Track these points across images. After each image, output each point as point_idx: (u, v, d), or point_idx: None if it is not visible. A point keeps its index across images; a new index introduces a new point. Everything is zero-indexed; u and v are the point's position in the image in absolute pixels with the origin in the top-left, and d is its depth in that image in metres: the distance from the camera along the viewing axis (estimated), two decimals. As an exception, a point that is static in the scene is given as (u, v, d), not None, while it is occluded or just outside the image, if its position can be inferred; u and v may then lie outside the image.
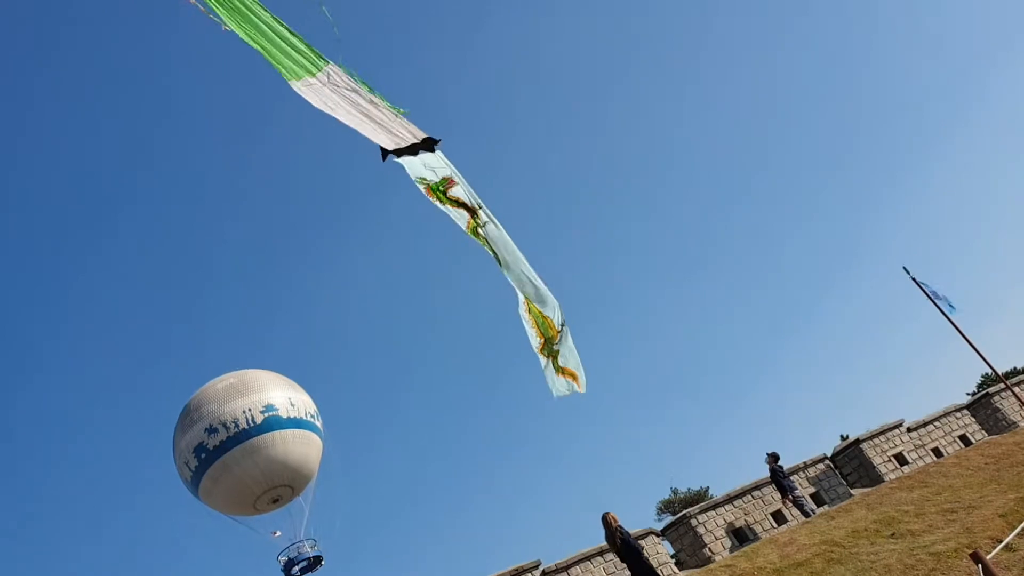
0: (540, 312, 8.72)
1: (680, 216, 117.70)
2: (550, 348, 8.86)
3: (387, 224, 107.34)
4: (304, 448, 11.75)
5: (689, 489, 45.91)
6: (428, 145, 7.94)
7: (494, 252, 8.38)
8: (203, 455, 11.35)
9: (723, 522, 18.02)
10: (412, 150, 7.91)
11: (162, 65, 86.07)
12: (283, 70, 7.41)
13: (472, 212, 8.28)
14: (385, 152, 7.83)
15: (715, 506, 18.41)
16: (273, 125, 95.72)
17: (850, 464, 20.43)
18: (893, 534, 13.40)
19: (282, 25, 7.49)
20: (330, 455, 12.48)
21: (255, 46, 7.31)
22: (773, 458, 18.46)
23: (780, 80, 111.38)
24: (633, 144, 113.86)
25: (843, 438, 41.71)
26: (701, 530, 17.80)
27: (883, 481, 19.13)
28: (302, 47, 7.53)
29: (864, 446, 20.31)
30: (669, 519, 19.14)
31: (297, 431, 11.78)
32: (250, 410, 11.32)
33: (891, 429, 20.89)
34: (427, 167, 8.02)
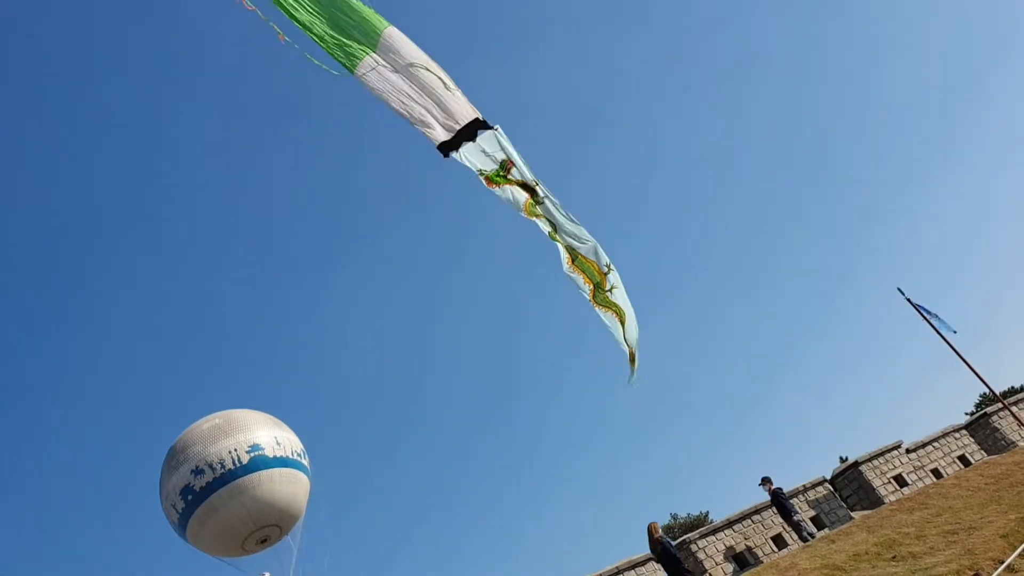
0: (584, 258, 8.78)
1: (672, 241, 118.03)
2: (602, 295, 8.92)
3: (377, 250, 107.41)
4: (291, 487, 11.56)
5: (689, 514, 45.54)
6: (484, 126, 7.98)
7: (549, 221, 8.51)
8: (190, 497, 11.15)
9: (723, 547, 17.79)
10: (470, 134, 7.90)
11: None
12: (343, 60, 7.45)
13: (531, 191, 8.35)
14: (446, 150, 7.85)
15: (715, 531, 18.20)
16: (282, 148, 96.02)
17: (850, 486, 20.23)
18: (894, 557, 13.21)
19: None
20: (318, 494, 12.27)
21: (314, 38, 7.33)
22: (767, 482, 18.28)
23: (773, 98, 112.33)
24: (622, 157, 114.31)
25: (842, 460, 41.40)
26: (701, 555, 17.58)
27: (883, 503, 18.92)
28: (364, 12, 7.58)
29: (863, 468, 20.13)
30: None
31: (284, 470, 11.60)
32: (236, 450, 11.14)
33: (890, 451, 20.72)
34: (487, 155, 8.05)
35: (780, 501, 17.96)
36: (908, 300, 20.99)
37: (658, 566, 16.88)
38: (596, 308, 8.96)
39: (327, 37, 7.41)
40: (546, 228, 8.58)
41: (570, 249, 8.71)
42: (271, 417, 13.35)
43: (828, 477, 20.13)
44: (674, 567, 16.28)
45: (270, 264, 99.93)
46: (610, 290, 8.95)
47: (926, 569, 11.75)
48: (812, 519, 18.74)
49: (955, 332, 20.79)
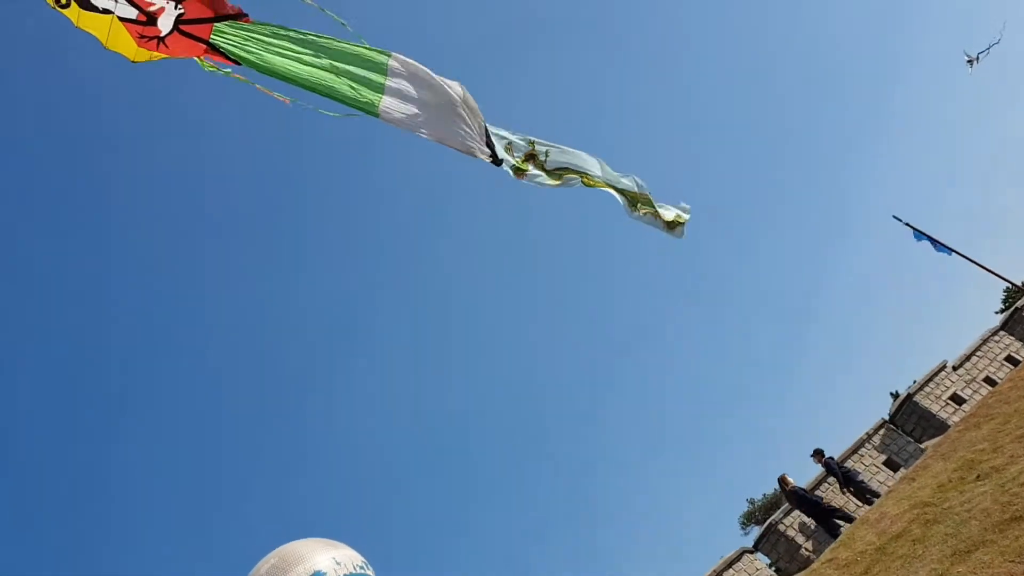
0: (638, 193, 8.46)
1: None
2: (650, 206, 8.57)
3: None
4: (364, 600, 11.53)
5: (764, 495, 45.09)
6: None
7: (576, 173, 8.02)
8: (272, 642, 11.11)
9: (809, 519, 17.66)
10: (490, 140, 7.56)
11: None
12: (363, 107, 7.11)
13: (532, 156, 7.85)
14: (497, 159, 7.51)
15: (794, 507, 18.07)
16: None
17: (910, 420, 20.13)
18: (978, 476, 13.13)
19: (325, 43, 7.09)
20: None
21: (325, 91, 7.01)
22: (819, 455, 18.18)
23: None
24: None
25: (894, 396, 41.22)
26: (791, 533, 17.45)
27: (948, 426, 18.84)
28: (362, 52, 7.15)
29: (917, 398, 20.05)
30: (756, 531, 18.79)
31: (352, 587, 11.58)
32: (301, 584, 11.14)
33: (937, 374, 20.66)
34: (509, 150, 7.72)
35: (834, 471, 17.81)
36: (907, 225, 21.09)
37: (755, 555, 16.77)
38: (673, 232, 8.67)
39: (337, 86, 7.07)
40: (576, 183, 8.06)
41: (622, 191, 8.32)
42: (324, 540, 13.44)
43: (887, 417, 20.05)
44: (816, 510, 16.59)
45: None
46: (655, 208, 8.61)
47: (1014, 478, 11.69)
48: (885, 463, 18.62)
49: (950, 254, 20.85)
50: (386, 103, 7.15)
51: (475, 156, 7.45)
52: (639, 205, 8.56)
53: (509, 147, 7.74)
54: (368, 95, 7.11)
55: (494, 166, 7.54)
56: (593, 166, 8.24)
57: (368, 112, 7.16)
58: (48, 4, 6.35)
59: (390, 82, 7.17)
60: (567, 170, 8.04)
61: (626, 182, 8.46)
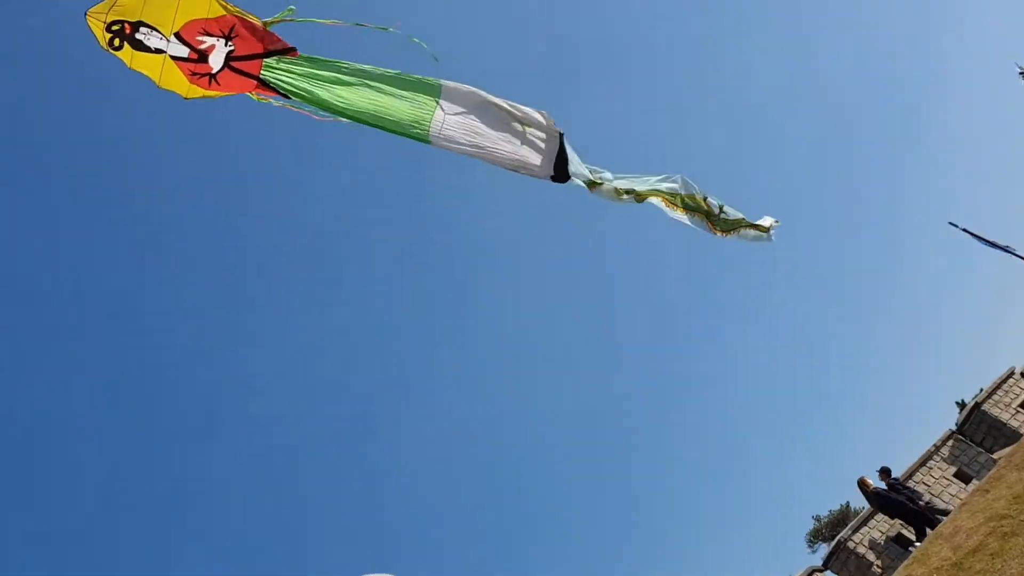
0: (684, 195, 8.42)
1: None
2: (718, 220, 8.58)
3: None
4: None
5: (830, 511, 44.08)
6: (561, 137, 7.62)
7: (654, 192, 8.14)
8: None
9: (879, 534, 17.28)
10: (563, 155, 7.61)
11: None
12: (414, 135, 7.24)
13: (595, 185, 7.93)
14: (563, 175, 7.61)
15: (865, 521, 17.70)
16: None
17: (980, 430, 19.62)
18: (1055, 486, 12.76)
19: (375, 73, 7.19)
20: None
21: (375, 122, 7.13)
22: (885, 473, 16.91)
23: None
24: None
25: (960, 405, 40.03)
26: (862, 550, 17.10)
27: (1020, 435, 18.31)
28: (411, 82, 7.23)
29: (986, 407, 19.55)
30: (824, 548, 18.43)
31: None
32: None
33: (1005, 380, 20.14)
34: (590, 168, 7.82)
35: (893, 499, 16.53)
36: (964, 231, 20.60)
37: (824, 574, 16.46)
38: (723, 235, 8.70)
39: (386, 115, 7.18)
40: (630, 187, 8.12)
41: (664, 194, 8.32)
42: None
43: (954, 428, 19.58)
44: (904, 511, 15.32)
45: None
46: (721, 210, 8.61)
47: (1093, 488, 11.34)
48: (955, 475, 18.17)
49: (1009, 253, 20.19)
50: (435, 129, 7.25)
51: (536, 176, 7.58)
52: (718, 220, 8.61)
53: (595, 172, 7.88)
54: (419, 122, 7.22)
55: (557, 183, 7.62)
56: (664, 186, 8.32)
57: (419, 139, 7.31)
58: (102, 47, 6.55)
59: (441, 108, 7.26)
60: (635, 192, 8.16)
61: (703, 200, 8.49)
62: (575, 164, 7.74)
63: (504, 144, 7.47)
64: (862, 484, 15.93)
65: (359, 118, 7.11)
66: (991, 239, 20.26)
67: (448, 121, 7.28)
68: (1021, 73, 20.60)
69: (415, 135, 7.29)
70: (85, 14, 6.50)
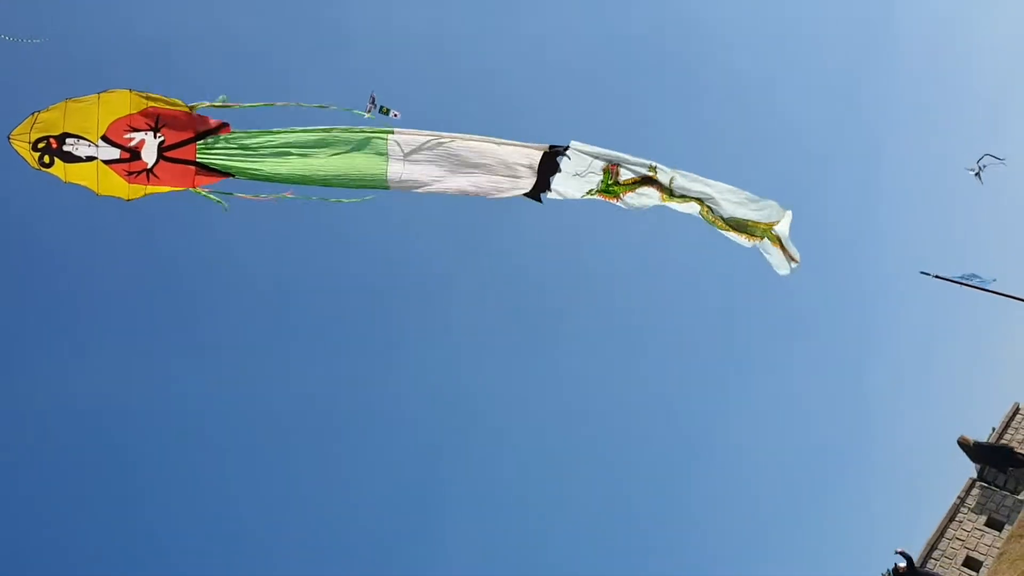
0: (767, 224, 8.11)
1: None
2: (771, 235, 8.23)
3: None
4: None
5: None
6: (559, 152, 7.43)
7: (699, 202, 7.81)
8: None
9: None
10: (551, 168, 7.43)
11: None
12: (369, 183, 7.10)
13: (651, 180, 7.69)
14: (537, 195, 7.43)
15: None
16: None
17: (1000, 476, 19.17)
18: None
19: (320, 133, 6.97)
20: None
21: (326, 181, 6.99)
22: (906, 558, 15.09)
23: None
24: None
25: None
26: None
27: (1044, 472, 17.92)
28: (359, 135, 7.04)
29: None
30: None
31: None
32: None
33: (1013, 417, 19.86)
34: (580, 176, 7.55)
35: None
36: (936, 277, 20.65)
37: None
38: (792, 265, 8.38)
39: (337, 172, 7.03)
40: (693, 210, 7.85)
41: (741, 226, 8.03)
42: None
43: (975, 476, 19.11)
44: (1004, 460, 16.76)
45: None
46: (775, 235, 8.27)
47: None
48: (986, 523, 17.59)
49: (994, 280, 20.26)
50: (393, 171, 7.14)
51: (506, 196, 7.44)
52: (762, 235, 8.30)
53: (584, 176, 7.60)
54: (374, 170, 7.12)
55: (533, 200, 7.47)
56: (725, 195, 7.97)
57: (377, 186, 7.20)
58: (33, 168, 6.44)
59: (392, 152, 7.12)
60: (687, 197, 7.85)
61: (756, 211, 8.12)
62: (568, 183, 7.53)
63: (472, 174, 7.35)
64: (963, 443, 17.39)
65: (310, 180, 7.00)
66: (962, 279, 20.30)
67: (406, 165, 7.20)
68: (973, 171, 21.07)
69: (372, 182, 7.19)
70: (8, 138, 6.41)
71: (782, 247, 8.41)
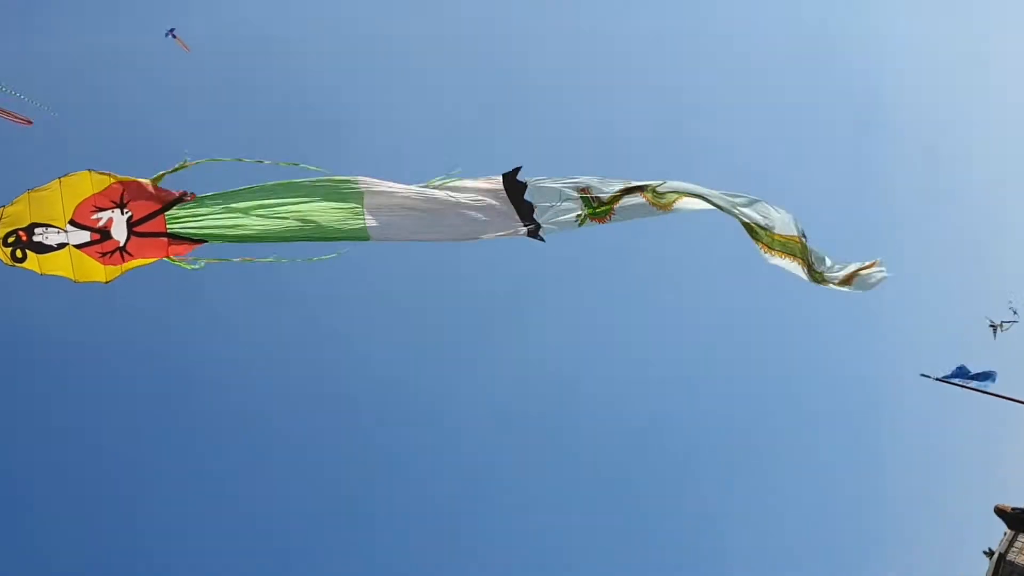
0: (782, 235, 7.53)
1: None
2: (805, 255, 7.63)
3: None
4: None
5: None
6: (519, 189, 7.08)
7: (702, 197, 7.30)
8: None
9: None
10: (527, 209, 7.07)
11: None
12: (349, 235, 6.90)
13: (641, 188, 7.24)
14: (533, 233, 7.07)
15: None
16: None
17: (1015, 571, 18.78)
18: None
19: (290, 186, 6.80)
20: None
21: (304, 236, 6.81)
22: None
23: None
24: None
25: (988, 554, 37.77)
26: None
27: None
28: (329, 185, 6.85)
29: (1011, 555, 18.86)
30: None
31: None
32: None
33: None
34: (559, 207, 7.18)
35: None
36: (939, 380, 20.57)
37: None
38: (823, 285, 7.87)
39: (314, 226, 6.87)
40: (698, 205, 7.34)
41: (755, 229, 7.53)
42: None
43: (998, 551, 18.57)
44: None
45: None
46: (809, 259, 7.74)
47: None
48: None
49: (991, 377, 20.01)
50: (371, 223, 6.92)
51: (492, 236, 7.16)
52: (769, 239, 7.68)
53: (587, 195, 7.21)
54: (350, 222, 6.92)
55: (532, 237, 7.14)
56: (715, 195, 7.46)
57: (357, 238, 6.99)
58: (7, 264, 6.41)
59: (368, 203, 6.91)
60: (680, 193, 7.38)
61: (750, 212, 7.54)
62: (559, 215, 7.23)
63: (446, 219, 7.08)
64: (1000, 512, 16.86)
65: (283, 236, 6.88)
66: (963, 382, 20.24)
67: (379, 213, 6.98)
68: (992, 326, 21.14)
69: (351, 234, 6.98)
70: None
71: (804, 260, 7.84)
